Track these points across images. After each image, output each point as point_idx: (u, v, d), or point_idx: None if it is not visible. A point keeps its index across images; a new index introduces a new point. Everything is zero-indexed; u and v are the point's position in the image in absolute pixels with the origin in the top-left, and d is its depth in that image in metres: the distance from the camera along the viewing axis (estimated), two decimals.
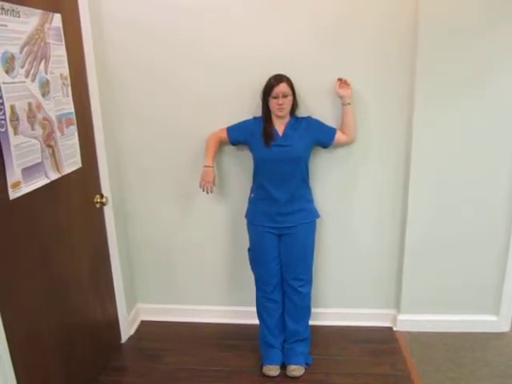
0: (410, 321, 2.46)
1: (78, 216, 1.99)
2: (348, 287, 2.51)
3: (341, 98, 2.15)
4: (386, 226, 2.40)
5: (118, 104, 2.30)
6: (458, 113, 2.16)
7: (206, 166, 2.14)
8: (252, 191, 2.20)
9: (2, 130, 1.46)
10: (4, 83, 1.46)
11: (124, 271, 2.44)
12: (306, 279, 2.18)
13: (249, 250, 2.24)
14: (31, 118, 1.61)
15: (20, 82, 1.55)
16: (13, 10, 1.51)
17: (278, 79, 2.01)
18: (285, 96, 2.01)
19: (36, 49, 1.65)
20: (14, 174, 1.52)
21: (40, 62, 1.67)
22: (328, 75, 2.15)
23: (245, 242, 2.26)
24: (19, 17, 1.54)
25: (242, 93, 2.21)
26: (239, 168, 2.34)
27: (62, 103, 1.82)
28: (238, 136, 2.17)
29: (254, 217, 2.18)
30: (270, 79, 2.03)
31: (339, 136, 2.17)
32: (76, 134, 1.95)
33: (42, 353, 1.71)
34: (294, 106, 2.10)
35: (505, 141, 2.19)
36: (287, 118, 2.10)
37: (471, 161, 2.23)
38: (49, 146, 1.73)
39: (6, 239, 1.51)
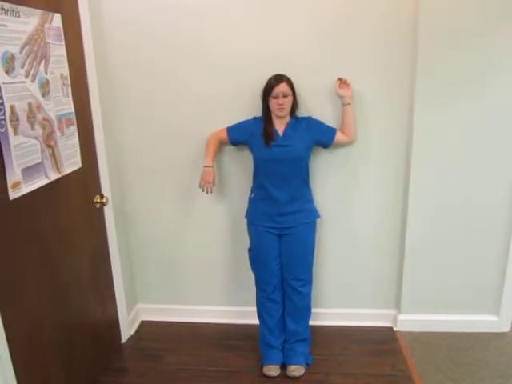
0: (410, 321, 2.46)
1: (78, 216, 1.99)
2: (348, 287, 2.51)
3: (341, 98, 2.15)
4: (387, 226, 2.40)
5: (118, 104, 2.30)
6: (458, 113, 2.16)
7: (205, 166, 2.14)
8: (252, 191, 2.20)
9: (2, 130, 1.45)
10: (4, 83, 1.46)
11: (124, 271, 2.44)
12: (307, 279, 2.18)
13: (249, 250, 2.23)
14: (31, 118, 1.61)
15: (20, 82, 1.55)
16: (13, 10, 1.51)
17: (278, 79, 2.01)
18: (285, 96, 2.01)
19: (36, 49, 1.65)
20: (13, 174, 1.51)
21: (40, 62, 1.67)
22: (328, 75, 2.15)
23: (245, 242, 2.26)
24: (19, 17, 1.54)
25: (242, 93, 2.20)
26: (239, 168, 2.34)
27: (62, 103, 1.82)
28: (238, 136, 2.17)
29: (254, 217, 2.18)
30: (270, 79, 2.03)
31: (339, 136, 2.17)
32: (76, 134, 1.95)
33: (42, 353, 1.71)
34: (295, 106, 2.10)
35: (505, 140, 2.19)
36: (287, 118, 2.10)
37: (471, 161, 2.23)
38: (49, 146, 1.73)
39: (6, 239, 1.51)
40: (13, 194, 1.52)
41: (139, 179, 2.43)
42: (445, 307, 2.45)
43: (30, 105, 1.60)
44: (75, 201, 1.97)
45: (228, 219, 2.45)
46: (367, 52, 2.15)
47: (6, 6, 1.48)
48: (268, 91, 2.02)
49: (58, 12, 1.78)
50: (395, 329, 2.50)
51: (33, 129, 1.62)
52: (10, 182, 1.50)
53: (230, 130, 2.18)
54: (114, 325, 2.39)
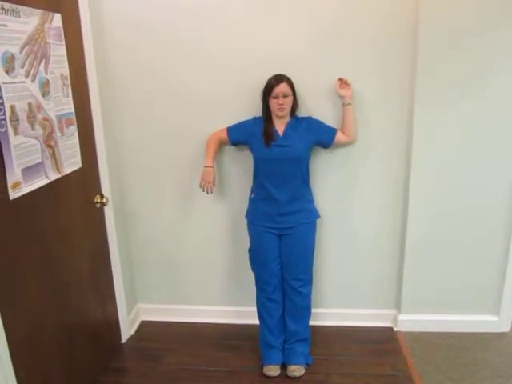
0: (410, 321, 2.46)
1: (78, 216, 1.99)
2: (348, 287, 2.51)
3: (341, 98, 2.15)
4: (387, 226, 2.40)
5: (118, 104, 2.30)
6: (458, 113, 2.16)
7: (206, 166, 2.14)
8: (252, 191, 2.20)
9: (2, 130, 1.45)
10: (4, 83, 1.46)
11: (124, 271, 2.44)
12: (307, 279, 2.18)
13: (249, 250, 2.23)
14: (31, 118, 1.61)
15: (20, 82, 1.55)
16: (13, 10, 1.51)
17: (279, 79, 2.01)
18: (285, 96, 2.01)
19: (36, 49, 1.65)
20: (14, 174, 1.51)
21: (40, 62, 1.67)
22: (328, 75, 2.15)
23: (245, 242, 2.26)
24: (19, 17, 1.54)
25: (242, 93, 2.20)
26: (239, 168, 2.34)
27: (62, 103, 1.82)
28: (238, 136, 2.17)
29: (254, 217, 2.18)
30: (270, 79, 2.03)
31: (340, 136, 2.17)
32: (76, 134, 1.95)
33: (42, 353, 1.71)
34: (295, 106, 2.10)
35: (505, 140, 2.19)
36: (287, 118, 2.10)
37: (471, 161, 2.23)
38: (49, 146, 1.73)
39: (6, 239, 1.51)
40: (13, 194, 1.52)
41: (139, 179, 2.43)
42: (445, 307, 2.45)
43: (30, 105, 1.60)
44: (75, 201, 1.97)
45: (228, 219, 2.45)
46: (367, 52, 2.15)
47: (6, 5, 1.48)
48: (268, 91, 2.02)
49: (58, 12, 1.78)
50: (395, 329, 2.50)
51: (33, 129, 1.62)
52: (10, 182, 1.50)
53: (230, 130, 2.18)
54: (114, 325, 2.39)
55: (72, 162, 1.92)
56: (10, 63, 1.49)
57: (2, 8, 1.46)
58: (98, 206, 2.15)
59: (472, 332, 2.43)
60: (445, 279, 2.40)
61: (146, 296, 2.64)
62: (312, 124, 2.13)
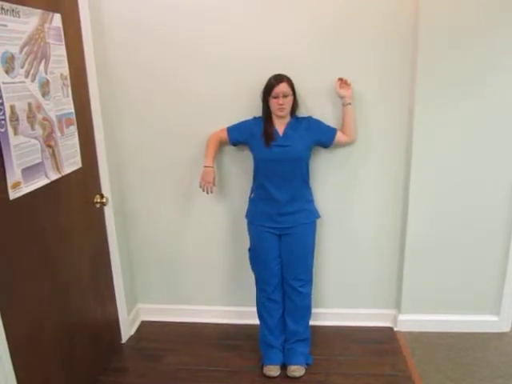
0: (410, 321, 2.46)
1: (78, 216, 1.99)
2: (348, 287, 2.51)
3: (341, 98, 2.15)
4: (387, 226, 2.40)
5: (119, 104, 2.30)
6: (458, 113, 2.16)
7: (206, 166, 2.13)
8: (252, 191, 2.20)
9: (2, 130, 1.45)
10: (4, 83, 1.46)
11: (124, 271, 2.44)
12: (307, 279, 2.18)
13: (249, 249, 2.23)
14: (31, 118, 1.61)
15: (20, 82, 1.55)
16: (13, 10, 1.51)
17: (279, 79, 2.01)
18: (285, 96, 2.01)
19: (36, 49, 1.65)
20: (13, 175, 1.51)
21: (40, 62, 1.67)
22: (328, 75, 2.15)
23: (245, 241, 2.26)
24: (19, 17, 1.54)
25: (242, 93, 2.20)
26: (239, 168, 2.34)
27: (62, 103, 1.82)
28: (238, 136, 2.17)
29: (254, 217, 2.18)
30: (270, 79, 2.03)
31: (340, 136, 2.17)
32: (76, 134, 1.95)
33: (42, 353, 1.71)
34: (295, 105, 2.09)
35: (505, 140, 2.19)
36: (287, 118, 2.10)
37: (471, 161, 2.22)
38: (49, 146, 1.73)
39: (6, 239, 1.51)
40: (13, 194, 1.52)
41: (139, 179, 2.43)
42: (445, 307, 2.45)
43: (29, 105, 1.60)
44: (75, 201, 1.97)
45: (228, 219, 2.45)
46: (367, 52, 2.15)
47: (6, 5, 1.48)
48: (268, 91, 2.02)
49: (58, 12, 1.78)
50: (395, 329, 2.50)
51: (33, 129, 1.62)
52: (10, 182, 1.50)
53: (230, 129, 2.18)
54: (114, 325, 2.38)
55: (72, 161, 1.92)
56: (9, 63, 1.49)
57: (2, 8, 1.46)
58: (97, 206, 2.15)
59: (472, 332, 2.42)
60: (445, 279, 2.40)
61: (146, 296, 2.64)
62: (312, 124, 2.13)
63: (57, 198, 1.81)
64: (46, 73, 1.71)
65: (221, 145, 2.24)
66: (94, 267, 2.14)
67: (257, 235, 2.17)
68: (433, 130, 2.18)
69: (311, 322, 2.28)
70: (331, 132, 2.16)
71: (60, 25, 1.80)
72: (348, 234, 2.42)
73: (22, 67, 1.56)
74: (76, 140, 1.95)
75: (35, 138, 1.64)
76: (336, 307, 2.54)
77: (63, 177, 1.84)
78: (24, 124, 1.57)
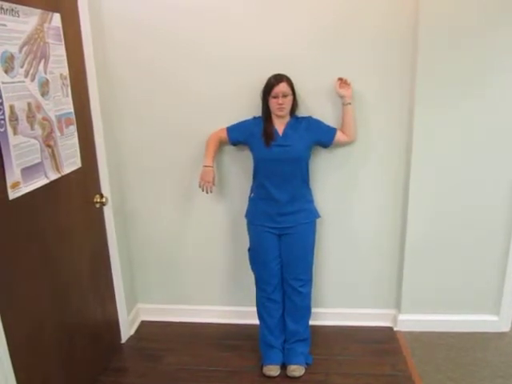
0: (410, 321, 2.46)
1: (77, 216, 1.99)
2: (348, 287, 2.51)
3: (341, 97, 2.15)
4: (387, 226, 2.40)
5: (118, 104, 2.30)
6: (458, 113, 2.16)
7: (205, 166, 2.13)
8: (252, 191, 2.20)
9: (2, 130, 1.45)
10: (3, 83, 1.45)
11: (124, 271, 2.44)
12: (307, 279, 2.18)
13: (249, 249, 2.23)
14: (30, 117, 1.61)
15: (19, 82, 1.54)
16: (12, 10, 1.51)
17: (278, 79, 2.00)
18: (285, 96, 2.00)
19: (35, 48, 1.64)
20: (13, 174, 1.51)
21: (39, 62, 1.67)
22: (328, 75, 2.15)
23: (245, 241, 2.26)
24: (18, 16, 1.54)
25: (242, 93, 2.20)
26: (239, 168, 2.34)
27: (61, 103, 1.82)
28: (238, 136, 2.17)
29: (254, 217, 2.17)
30: (269, 79, 2.03)
31: (339, 136, 2.17)
32: (76, 133, 1.95)
33: (42, 353, 1.71)
34: (294, 105, 2.09)
35: (505, 140, 2.18)
36: (287, 118, 2.10)
37: (471, 161, 2.22)
38: (48, 146, 1.73)
39: (6, 239, 1.51)
40: (12, 194, 1.51)
41: (139, 179, 2.43)
42: (445, 307, 2.45)
43: (29, 104, 1.60)
44: (75, 201, 1.96)
45: (228, 219, 2.45)
46: (367, 52, 2.14)
47: (6, 5, 1.47)
48: (268, 91, 2.02)
49: (57, 12, 1.78)
50: (395, 329, 2.50)
51: (32, 129, 1.62)
52: (9, 182, 1.49)
53: (230, 129, 2.18)
54: (113, 325, 2.38)
55: (71, 161, 1.91)
56: (9, 63, 1.49)
57: (2, 8, 1.46)
58: (97, 205, 2.15)
59: (472, 332, 2.42)
60: (445, 279, 2.40)
61: (145, 296, 2.64)
62: (312, 124, 2.13)
63: (56, 197, 1.81)
64: (45, 72, 1.70)
65: (221, 144, 2.24)
66: (93, 267, 2.14)
67: (256, 235, 2.17)
68: (433, 129, 2.18)
69: (311, 322, 2.28)
70: (331, 132, 2.16)
71: (59, 24, 1.80)
72: (348, 233, 2.42)
73: (22, 67, 1.56)
74: (75, 140, 1.95)
75: (35, 137, 1.64)
76: (336, 307, 2.54)
77: (63, 177, 1.83)
78: (23, 124, 1.57)
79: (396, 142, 2.27)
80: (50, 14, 1.73)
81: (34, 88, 1.63)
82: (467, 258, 2.36)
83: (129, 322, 2.50)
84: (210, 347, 2.38)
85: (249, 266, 2.24)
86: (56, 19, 1.77)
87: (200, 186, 2.13)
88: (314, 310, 2.31)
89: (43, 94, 1.69)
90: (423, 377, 2.11)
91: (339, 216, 2.39)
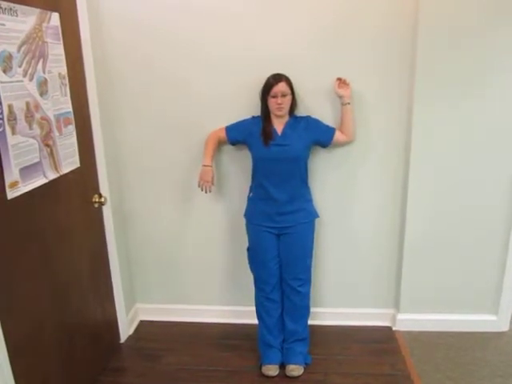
0: (409, 320, 2.46)
1: (76, 216, 1.98)
2: (347, 287, 2.51)
3: (340, 97, 2.14)
4: (386, 226, 2.40)
5: (117, 103, 2.30)
6: (458, 112, 2.16)
7: (204, 166, 2.13)
8: (251, 190, 2.19)
9: (0, 129, 1.45)
10: (1, 82, 1.45)
11: (123, 271, 2.43)
12: (305, 279, 2.18)
13: (248, 249, 2.23)
14: (29, 117, 1.60)
15: (18, 82, 1.54)
16: (10, 9, 1.50)
17: (277, 78, 2.00)
18: (284, 95, 2.00)
19: (34, 48, 1.64)
20: (11, 174, 1.51)
21: (38, 61, 1.66)
22: (327, 75, 2.15)
23: (244, 241, 2.26)
24: (17, 16, 1.53)
25: (242, 92, 2.20)
26: (238, 167, 2.34)
27: (60, 102, 1.81)
28: (236, 135, 2.16)
29: (252, 216, 2.17)
30: (268, 78, 2.02)
31: (338, 136, 2.16)
32: (74, 133, 1.94)
33: (42, 353, 1.71)
34: (293, 105, 2.09)
35: (504, 140, 2.19)
36: (286, 118, 2.09)
37: (470, 160, 2.22)
38: (47, 145, 1.73)
39: (4, 239, 1.50)
40: (11, 194, 1.51)
41: (138, 179, 2.42)
42: (444, 307, 2.45)
43: (27, 104, 1.59)
44: (73, 200, 1.96)
45: (227, 218, 2.45)
46: (367, 52, 2.14)
47: (4, 4, 1.47)
48: (267, 90, 2.02)
49: (56, 11, 1.77)
50: (394, 328, 2.50)
51: (31, 128, 1.61)
52: (7, 182, 1.49)
53: (229, 129, 2.17)
54: (112, 325, 2.38)
55: (70, 161, 1.91)
56: (7, 62, 1.48)
57: (0, 7, 1.45)
58: (96, 205, 2.14)
59: (471, 331, 2.43)
60: (444, 278, 2.40)
61: (144, 296, 2.64)
62: (311, 123, 2.13)
63: (55, 197, 1.80)
64: (43, 72, 1.70)
65: (219, 144, 2.23)
66: (92, 267, 2.13)
67: (255, 235, 2.17)
68: (432, 129, 2.18)
69: (310, 322, 2.28)
70: (330, 131, 2.15)
71: (58, 24, 1.79)
72: (347, 233, 2.42)
73: (20, 66, 1.55)
74: (74, 139, 1.94)
75: (33, 137, 1.63)
76: (335, 307, 2.54)
77: (61, 176, 1.83)
78: (22, 123, 1.56)
79: (395, 141, 2.27)
80: (49, 13, 1.73)
81: (32, 87, 1.62)
82: (466, 258, 2.37)
83: (128, 321, 2.49)
84: (209, 347, 2.38)
85: (248, 266, 2.24)
86: (54, 18, 1.77)
87: (199, 186, 2.13)
88: (312, 309, 2.31)
89: (42, 94, 1.68)
90: (422, 376, 2.12)
91: (338, 215, 2.39)
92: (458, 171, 2.24)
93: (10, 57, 1.49)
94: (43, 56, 1.70)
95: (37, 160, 1.66)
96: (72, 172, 1.91)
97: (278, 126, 2.08)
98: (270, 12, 2.12)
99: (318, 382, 2.11)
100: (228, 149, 2.31)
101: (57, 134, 1.79)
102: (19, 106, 1.54)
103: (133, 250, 2.55)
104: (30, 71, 1.61)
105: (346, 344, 2.38)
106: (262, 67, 2.07)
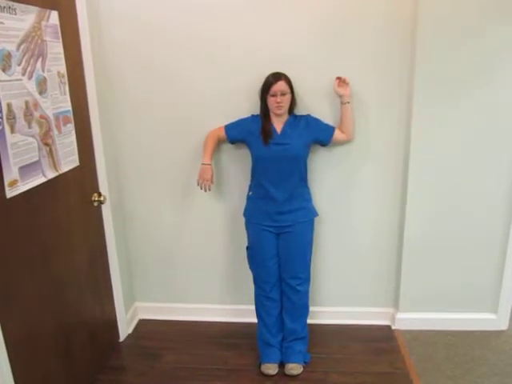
0: (408, 319, 2.46)
1: (75, 215, 1.98)
2: (346, 286, 2.51)
3: (340, 96, 2.14)
4: (385, 225, 2.40)
5: (117, 102, 2.29)
6: (457, 112, 2.16)
7: (203, 164, 2.13)
8: (250, 189, 2.19)
9: None
10: (0, 81, 1.45)
11: (122, 270, 2.44)
12: (304, 278, 2.18)
13: (247, 248, 2.23)
14: (28, 116, 1.60)
15: (17, 80, 1.54)
16: (9, 7, 1.50)
17: (277, 77, 2.00)
18: (283, 94, 2.00)
19: (33, 46, 1.64)
20: (10, 173, 1.51)
21: (37, 60, 1.66)
22: (327, 74, 2.15)
23: (243, 240, 2.26)
24: (16, 14, 1.53)
25: (242, 92, 2.20)
26: (237, 166, 2.34)
27: (59, 101, 1.81)
28: (236, 134, 2.16)
29: (252, 215, 2.17)
30: (268, 77, 2.02)
31: (338, 134, 2.16)
32: (73, 132, 1.94)
33: (41, 353, 1.71)
34: (293, 104, 2.09)
35: (503, 140, 2.19)
36: (286, 116, 2.09)
37: (470, 161, 2.22)
38: (46, 144, 1.73)
39: (3, 238, 1.50)
40: (9, 193, 1.51)
41: (138, 177, 2.42)
42: (443, 305, 2.45)
43: (26, 103, 1.59)
44: (73, 199, 1.96)
45: (226, 217, 2.45)
46: (366, 51, 2.14)
47: (3, 3, 1.47)
48: (266, 89, 2.02)
49: (55, 9, 1.77)
50: (393, 327, 2.51)
51: (30, 127, 1.61)
52: (6, 181, 1.49)
53: (228, 127, 2.17)
54: (112, 323, 2.38)
55: (69, 160, 1.91)
56: (6, 61, 1.48)
57: None
58: (95, 204, 2.14)
59: (470, 330, 2.43)
60: (443, 277, 2.40)
61: (144, 294, 2.64)
62: (310, 122, 2.13)
63: (54, 196, 1.80)
64: (43, 70, 1.70)
65: (219, 142, 2.23)
66: (92, 266, 2.13)
67: (255, 234, 2.17)
68: (431, 129, 2.18)
69: (309, 321, 2.28)
70: (329, 130, 2.15)
71: (57, 22, 1.79)
72: (346, 232, 2.42)
73: (19, 65, 1.55)
74: (73, 138, 1.94)
75: (32, 136, 1.63)
76: (334, 305, 2.54)
77: (60, 175, 1.83)
78: (21, 122, 1.56)
79: (395, 140, 2.27)
80: (48, 11, 1.73)
81: (31, 86, 1.62)
82: (465, 257, 2.37)
83: (127, 320, 2.50)
84: (208, 345, 2.38)
85: (247, 265, 2.24)
86: (54, 17, 1.77)
87: (198, 184, 2.13)
88: (312, 308, 2.32)
89: (41, 92, 1.68)
90: (421, 375, 2.12)
91: (337, 215, 2.39)
92: (457, 170, 2.24)
93: (9, 55, 1.49)
94: (42, 54, 1.70)
95: (36, 159, 1.66)
96: (71, 171, 1.91)
97: (278, 124, 2.08)
98: (270, 12, 2.12)
99: (318, 380, 2.11)
100: (227, 148, 2.31)
101: (56, 132, 1.79)
102: (18, 105, 1.54)
103: (132, 249, 2.55)
104: (29, 70, 1.61)
105: (345, 343, 2.38)
106: (261, 66, 2.07)
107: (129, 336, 2.50)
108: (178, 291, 2.61)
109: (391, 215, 2.38)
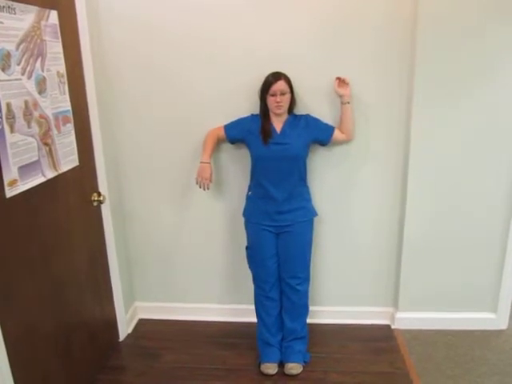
0: (408, 319, 2.47)
1: (75, 214, 1.98)
2: (346, 285, 2.51)
3: (340, 96, 2.14)
4: (385, 225, 2.40)
5: (116, 102, 2.29)
6: (457, 112, 2.16)
7: (202, 162, 2.12)
8: (249, 189, 2.19)
9: None
10: (0, 81, 1.45)
11: (122, 269, 2.43)
12: (304, 277, 2.18)
13: (246, 248, 2.23)
14: (28, 115, 1.60)
15: (16, 80, 1.54)
16: (8, 7, 1.50)
17: (276, 77, 2.00)
18: (283, 94, 2.00)
19: (32, 46, 1.64)
20: (10, 172, 1.51)
21: (36, 60, 1.66)
22: (327, 74, 2.14)
23: (243, 239, 2.26)
24: (15, 14, 1.53)
25: (242, 91, 2.20)
26: (237, 166, 2.34)
27: (58, 101, 1.81)
28: (235, 134, 2.16)
29: (251, 215, 2.17)
30: (267, 77, 2.02)
31: (337, 134, 2.16)
32: (73, 131, 1.94)
33: (41, 352, 1.71)
34: (292, 103, 2.09)
35: (503, 140, 2.19)
36: (285, 116, 2.09)
37: (470, 161, 2.22)
38: (45, 144, 1.72)
39: (3, 238, 1.50)
40: (9, 192, 1.51)
41: (137, 177, 2.42)
42: (443, 305, 2.45)
43: (26, 102, 1.59)
44: (72, 199, 1.96)
45: (226, 217, 2.45)
46: (366, 51, 2.14)
47: (2, 2, 1.46)
48: (266, 89, 2.02)
49: (54, 9, 1.77)
50: (393, 327, 2.51)
51: (29, 126, 1.61)
52: (6, 180, 1.49)
53: (228, 127, 2.17)
54: (111, 323, 2.38)
55: (69, 159, 1.91)
56: (5, 60, 1.48)
57: None
58: (95, 204, 2.14)
59: (470, 329, 2.43)
60: (443, 277, 2.40)
61: (143, 294, 2.64)
62: (310, 122, 2.13)
63: (54, 196, 1.80)
64: (42, 70, 1.70)
65: (218, 142, 2.23)
66: (91, 265, 2.13)
67: (254, 233, 2.17)
68: (431, 129, 2.18)
69: (309, 320, 2.28)
70: (329, 130, 2.15)
71: (56, 22, 1.79)
72: (346, 231, 2.42)
73: (19, 64, 1.55)
74: (73, 138, 1.94)
75: (32, 135, 1.63)
76: (334, 305, 2.54)
77: (60, 175, 1.83)
78: (20, 122, 1.56)
79: (394, 141, 2.27)
80: (47, 11, 1.73)
81: (30, 86, 1.62)
82: (465, 257, 2.37)
83: (126, 320, 2.50)
84: (208, 345, 2.38)
85: (247, 264, 2.24)
86: (53, 16, 1.77)
87: (197, 183, 2.13)
88: (311, 308, 2.32)
89: (40, 92, 1.68)
90: (421, 374, 2.12)
91: (337, 215, 2.39)
92: (457, 170, 2.24)
93: (8, 55, 1.49)
94: (42, 54, 1.69)
95: (35, 158, 1.65)
96: (71, 170, 1.91)
97: (277, 124, 2.08)
98: (269, 11, 2.12)
99: (317, 380, 2.11)
100: (227, 147, 2.31)
101: (55, 132, 1.79)
102: (18, 105, 1.54)
103: (132, 249, 2.55)
104: (28, 69, 1.61)
105: (344, 342, 2.38)
106: (261, 66, 2.07)
107: (128, 336, 2.50)
108: (177, 291, 2.61)
109: (391, 215, 2.38)
